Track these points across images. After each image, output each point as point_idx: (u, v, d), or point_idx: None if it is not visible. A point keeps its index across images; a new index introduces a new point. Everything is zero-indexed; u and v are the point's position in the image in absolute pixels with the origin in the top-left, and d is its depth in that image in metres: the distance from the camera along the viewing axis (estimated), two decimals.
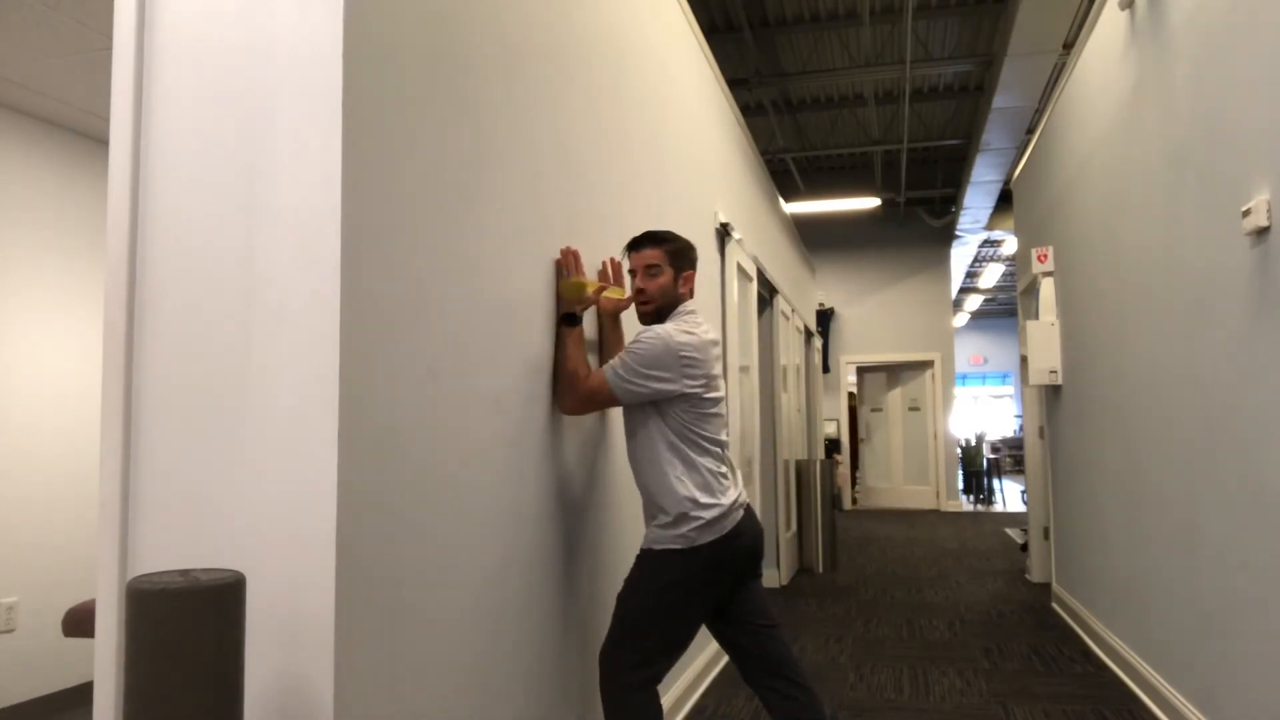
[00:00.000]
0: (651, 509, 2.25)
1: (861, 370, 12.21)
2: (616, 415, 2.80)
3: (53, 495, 3.91)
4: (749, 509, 2.29)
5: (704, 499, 2.17)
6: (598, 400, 2.23)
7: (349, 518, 1.42)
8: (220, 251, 1.48)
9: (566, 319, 2.29)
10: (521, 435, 2.08)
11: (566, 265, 2.34)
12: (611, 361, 2.22)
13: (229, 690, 1.19)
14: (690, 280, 2.37)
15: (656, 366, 2.17)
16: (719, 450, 2.27)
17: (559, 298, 2.33)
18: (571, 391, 2.24)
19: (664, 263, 2.32)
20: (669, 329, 2.22)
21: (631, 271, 2.40)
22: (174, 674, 1.14)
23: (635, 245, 2.39)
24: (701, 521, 2.16)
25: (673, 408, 2.20)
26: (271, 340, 1.44)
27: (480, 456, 1.87)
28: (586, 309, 2.37)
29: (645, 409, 2.24)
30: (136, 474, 1.49)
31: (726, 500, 2.20)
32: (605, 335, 2.56)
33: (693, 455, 2.20)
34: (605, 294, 2.46)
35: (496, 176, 1.99)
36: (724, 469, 2.27)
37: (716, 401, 2.27)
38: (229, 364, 1.46)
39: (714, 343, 2.30)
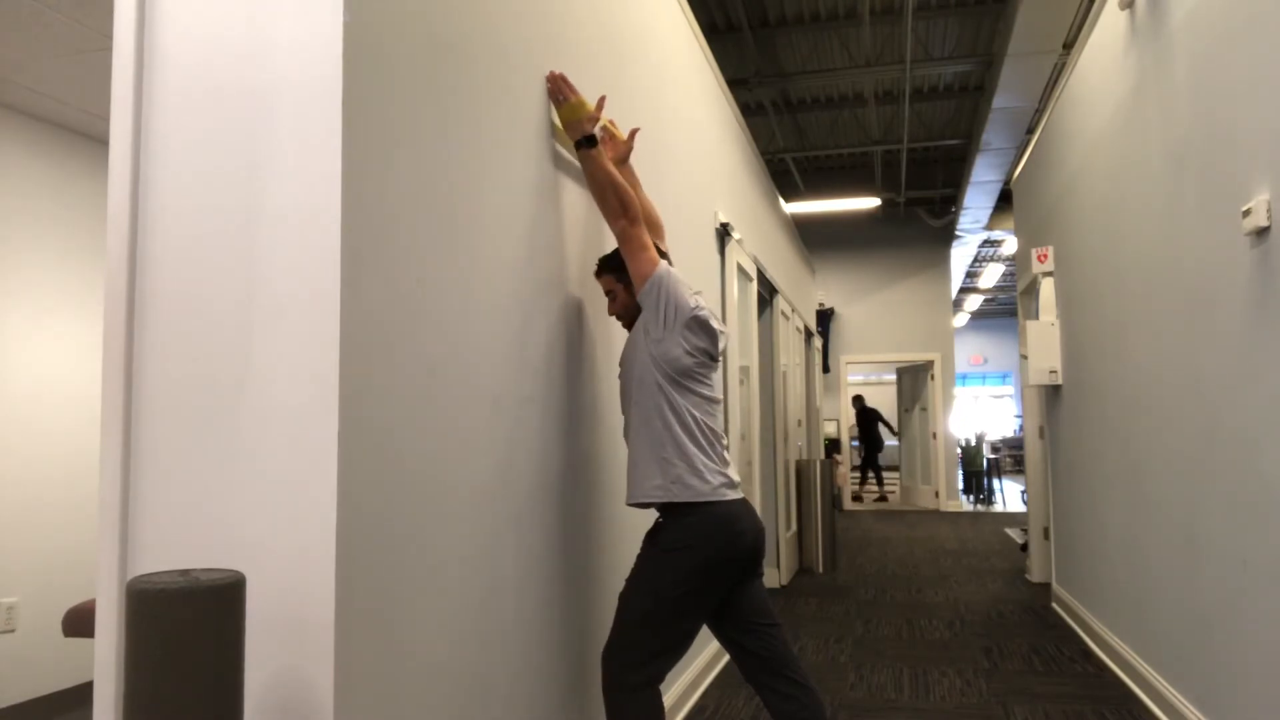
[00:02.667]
0: (641, 468, 2.23)
1: (901, 371, 12.25)
2: (615, 410, 2.80)
3: (53, 495, 3.91)
4: (749, 505, 2.29)
5: (698, 460, 2.19)
6: (638, 258, 2.26)
7: (349, 518, 1.42)
8: (220, 251, 1.48)
9: (586, 141, 2.29)
10: (521, 435, 2.08)
11: (559, 90, 2.32)
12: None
13: (229, 690, 1.19)
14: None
15: (679, 301, 2.24)
16: (718, 437, 2.29)
17: (564, 124, 2.33)
18: (631, 220, 2.25)
19: (613, 285, 2.41)
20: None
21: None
22: (174, 674, 1.14)
23: (596, 276, 2.49)
24: (685, 470, 2.17)
25: (674, 386, 2.21)
26: (271, 340, 1.44)
27: (480, 456, 1.87)
28: (596, 125, 2.35)
29: (648, 383, 2.24)
30: (136, 474, 1.49)
31: (721, 473, 2.22)
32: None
33: (693, 428, 2.22)
34: (605, 125, 2.48)
35: (496, 176, 2.00)
36: (721, 450, 2.28)
37: (714, 384, 2.30)
38: (229, 364, 1.46)
39: (722, 331, 2.35)
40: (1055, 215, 5.12)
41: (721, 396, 2.37)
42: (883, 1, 6.45)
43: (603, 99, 2.44)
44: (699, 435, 2.22)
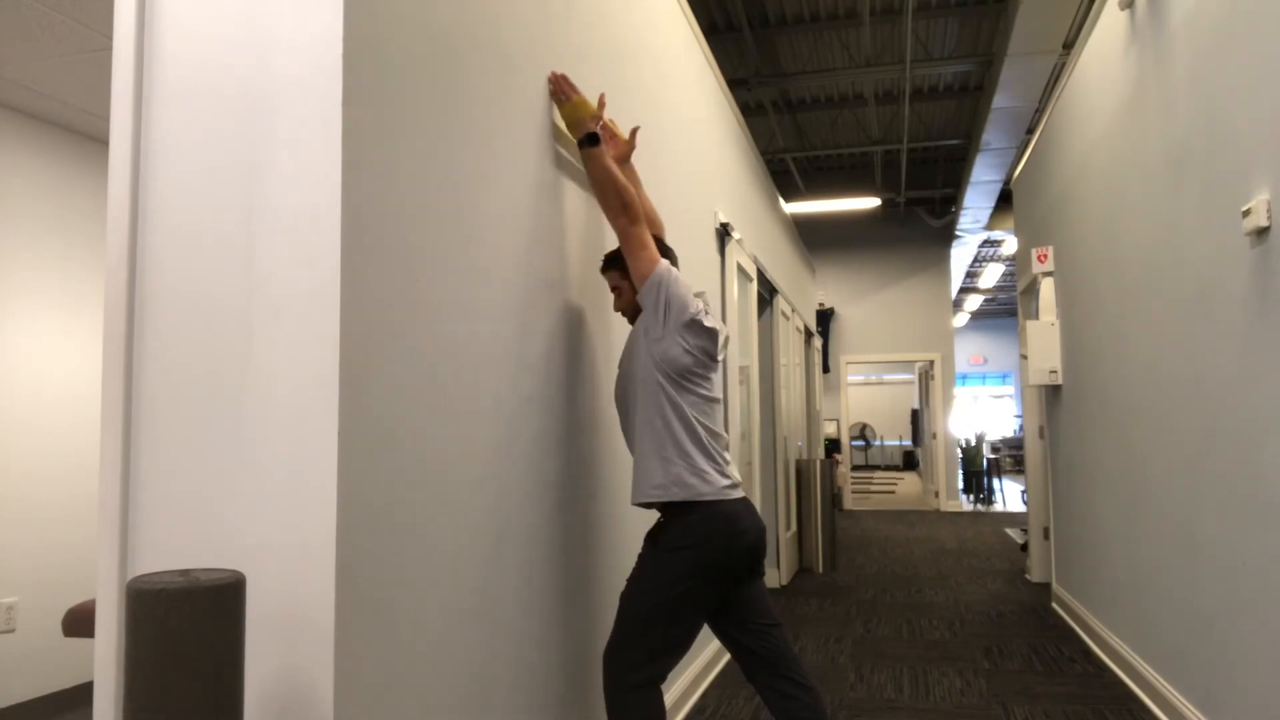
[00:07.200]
0: (644, 468, 2.25)
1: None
2: (613, 410, 2.80)
3: (53, 495, 3.90)
4: (750, 505, 2.29)
5: (699, 459, 2.20)
6: (639, 257, 2.26)
7: (348, 518, 1.42)
8: (220, 251, 1.48)
9: (589, 140, 2.30)
10: (521, 435, 2.08)
11: (560, 90, 2.34)
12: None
13: (229, 690, 1.19)
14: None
15: (679, 301, 2.24)
16: (718, 437, 2.29)
17: (567, 123, 2.34)
18: (632, 219, 2.25)
19: (619, 281, 2.43)
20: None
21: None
22: (174, 674, 1.14)
23: (602, 272, 2.50)
24: (686, 470, 2.19)
25: (674, 386, 2.22)
26: (271, 340, 1.44)
27: (480, 456, 1.87)
28: (598, 123, 2.36)
29: (648, 383, 2.24)
30: (136, 474, 1.49)
31: (722, 472, 2.23)
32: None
33: (694, 427, 2.23)
34: (605, 124, 2.49)
35: (496, 176, 2.00)
36: (721, 449, 2.28)
37: (713, 384, 2.31)
38: (229, 364, 1.46)
39: (725, 334, 2.36)
40: (1055, 215, 5.12)
41: (722, 396, 2.38)
42: (883, 1, 6.45)
43: (603, 97, 2.44)
44: (700, 435, 2.23)
